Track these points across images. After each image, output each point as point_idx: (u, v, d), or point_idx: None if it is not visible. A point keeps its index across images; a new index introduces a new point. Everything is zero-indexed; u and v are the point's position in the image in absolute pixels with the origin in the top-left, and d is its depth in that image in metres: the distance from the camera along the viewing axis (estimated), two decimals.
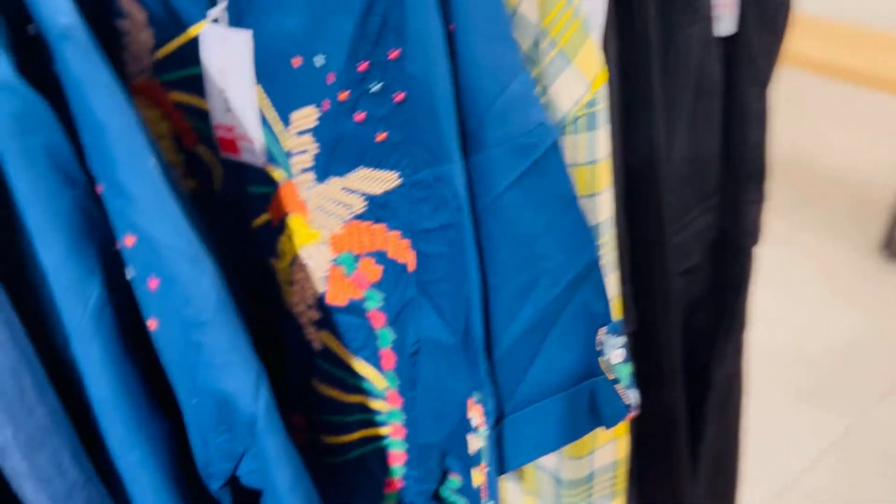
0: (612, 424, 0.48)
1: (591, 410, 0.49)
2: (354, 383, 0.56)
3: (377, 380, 0.55)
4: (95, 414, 0.40)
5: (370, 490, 0.60)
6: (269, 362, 0.54)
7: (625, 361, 0.48)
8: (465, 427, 0.47)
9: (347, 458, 0.60)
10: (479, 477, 0.48)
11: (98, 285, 0.40)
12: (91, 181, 0.41)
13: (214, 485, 0.44)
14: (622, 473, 0.60)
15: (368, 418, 0.58)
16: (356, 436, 0.59)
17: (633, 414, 0.49)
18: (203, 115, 0.56)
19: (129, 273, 0.42)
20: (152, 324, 0.42)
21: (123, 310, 0.42)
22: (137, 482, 0.40)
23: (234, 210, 0.59)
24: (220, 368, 0.41)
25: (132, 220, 0.40)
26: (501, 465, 0.48)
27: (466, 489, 0.65)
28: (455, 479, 0.64)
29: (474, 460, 0.48)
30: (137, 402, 0.41)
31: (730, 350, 0.82)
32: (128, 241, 0.41)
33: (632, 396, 0.48)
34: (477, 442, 0.47)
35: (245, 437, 0.42)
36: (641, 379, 0.53)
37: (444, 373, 0.47)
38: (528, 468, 0.62)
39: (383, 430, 0.58)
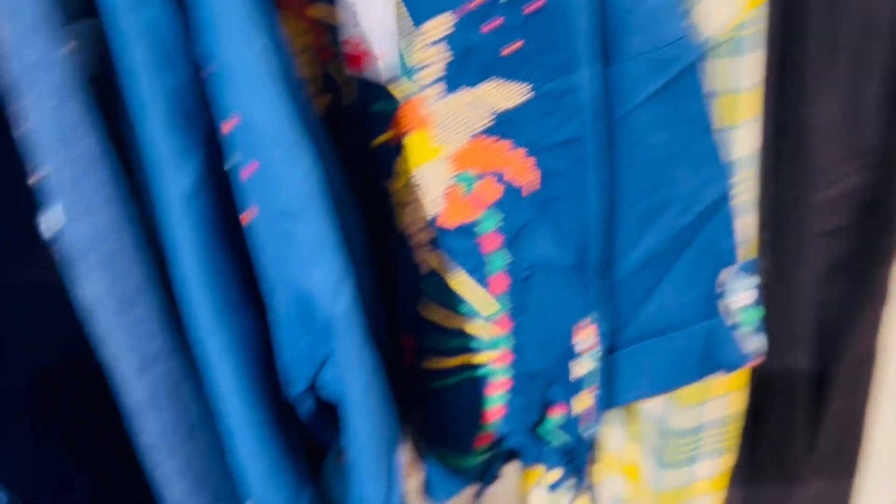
0: (730, 370, 0.45)
1: (708, 354, 0.46)
2: (460, 308, 0.56)
3: (485, 304, 0.55)
4: (180, 293, 0.41)
5: (470, 416, 0.60)
6: (383, 286, 0.54)
7: (754, 305, 0.45)
8: (570, 354, 0.45)
9: (446, 383, 0.59)
10: (582, 403, 0.47)
11: (195, 168, 0.40)
12: (198, 66, 0.41)
13: (295, 389, 0.44)
14: (734, 430, 0.57)
15: (472, 344, 0.57)
16: (457, 361, 0.58)
17: (754, 362, 0.46)
18: (336, 31, 0.56)
19: (230, 162, 0.43)
20: (248, 214, 0.42)
21: (219, 202, 0.42)
22: (214, 370, 0.40)
23: (359, 129, 0.60)
24: (306, 263, 0.41)
25: (235, 101, 0.40)
26: (610, 398, 0.46)
27: (567, 425, 0.64)
28: (553, 418, 0.63)
29: (577, 387, 0.46)
30: (222, 290, 0.41)
31: (865, 324, 0.76)
32: (230, 123, 0.41)
33: (756, 343, 0.45)
34: (582, 368, 0.45)
35: (325, 341, 0.42)
36: (766, 337, 0.49)
37: (556, 297, 0.46)
38: (634, 412, 0.60)
39: (487, 357, 0.57)
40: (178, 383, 0.40)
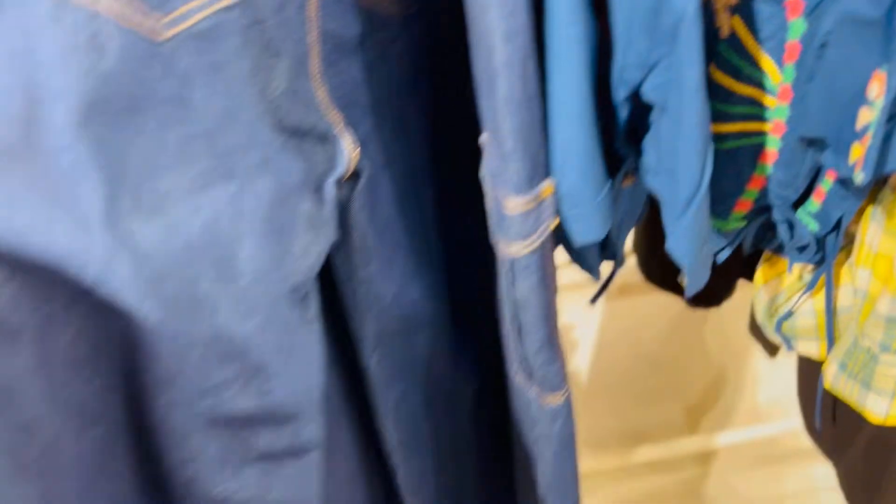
0: None
1: None
2: (750, 74, 0.60)
3: (773, 73, 0.59)
4: None
5: (735, 181, 0.65)
6: None
7: None
8: (860, 100, 0.49)
9: (722, 147, 0.65)
10: (858, 151, 0.51)
11: None
12: None
13: (619, 94, 0.52)
14: None
15: (753, 111, 0.62)
16: (736, 127, 0.63)
17: None
18: None
19: None
20: None
21: None
22: (565, 57, 0.48)
23: None
24: None
25: None
26: (883, 162, 0.50)
27: (822, 215, 0.68)
28: (814, 202, 0.67)
29: (858, 135, 0.50)
30: None
31: None
32: None
33: None
34: (867, 115, 0.49)
35: (663, 45, 0.49)
36: None
37: (854, 53, 0.49)
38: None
39: (763, 126, 0.62)
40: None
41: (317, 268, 0.51)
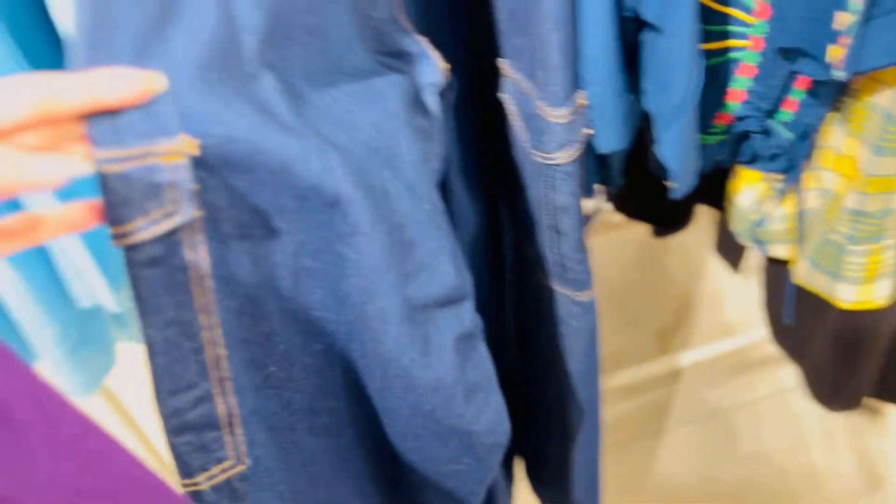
0: None
1: None
2: None
3: None
4: None
5: (717, 96, 0.72)
6: None
7: None
8: (837, 5, 0.56)
9: (705, 64, 0.72)
10: (836, 51, 0.58)
11: None
12: None
13: (625, 12, 0.58)
14: None
15: (732, 29, 0.68)
16: (716, 45, 0.70)
17: None
18: None
19: None
20: None
21: None
22: None
23: None
24: None
25: None
26: (857, 61, 0.57)
27: (794, 124, 0.75)
28: (786, 112, 0.74)
29: (833, 37, 0.57)
30: None
31: None
32: None
33: None
34: (845, 18, 0.56)
35: None
36: None
37: None
38: (859, 106, 0.71)
39: (742, 42, 0.68)
40: None
41: (441, 173, 0.54)
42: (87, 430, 0.32)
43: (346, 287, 0.48)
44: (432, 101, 0.53)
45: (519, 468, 1.02)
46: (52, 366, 0.79)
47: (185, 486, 0.43)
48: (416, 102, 0.53)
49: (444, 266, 0.52)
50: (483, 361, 0.57)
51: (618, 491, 1.27)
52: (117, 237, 0.38)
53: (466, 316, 0.55)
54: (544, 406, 0.87)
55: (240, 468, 0.45)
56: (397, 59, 0.52)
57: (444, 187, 0.62)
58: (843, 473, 1.29)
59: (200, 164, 0.40)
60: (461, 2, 0.63)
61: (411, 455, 0.55)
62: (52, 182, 0.35)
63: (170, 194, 0.39)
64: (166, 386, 0.42)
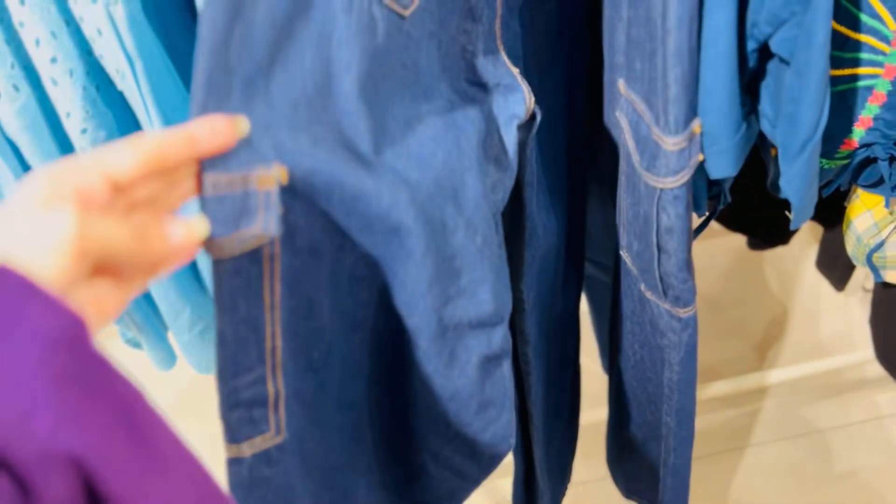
0: None
1: None
2: (866, 22, 0.66)
3: (890, 22, 0.65)
4: None
5: (845, 122, 0.72)
6: None
7: None
8: None
9: (834, 90, 0.71)
10: None
11: None
12: None
13: (750, 46, 0.59)
14: None
15: (865, 57, 0.68)
16: (847, 72, 0.70)
17: None
18: None
19: None
20: None
21: None
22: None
23: None
24: None
25: None
26: None
27: None
28: None
29: None
30: None
31: None
32: None
33: None
34: None
35: (797, 4, 0.55)
36: None
37: None
38: None
39: (875, 70, 0.68)
40: None
41: (505, 201, 0.59)
42: None
43: (391, 299, 0.54)
44: (511, 133, 0.57)
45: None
46: (181, 345, 0.85)
47: (229, 450, 0.49)
48: (493, 134, 0.56)
49: (483, 295, 0.57)
50: (502, 380, 0.62)
51: (704, 501, 1.27)
52: (210, 249, 0.43)
53: (496, 339, 0.60)
54: (639, 414, 0.89)
55: (278, 439, 0.50)
56: (480, 89, 0.55)
57: (520, 205, 0.65)
58: None
59: (287, 189, 0.45)
60: (571, 23, 0.66)
61: (419, 431, 0.61)
62: (188, 251, 0.40)
63: (260, 215, 0.43)
64: (229, 370, 0.47)
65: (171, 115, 0.62)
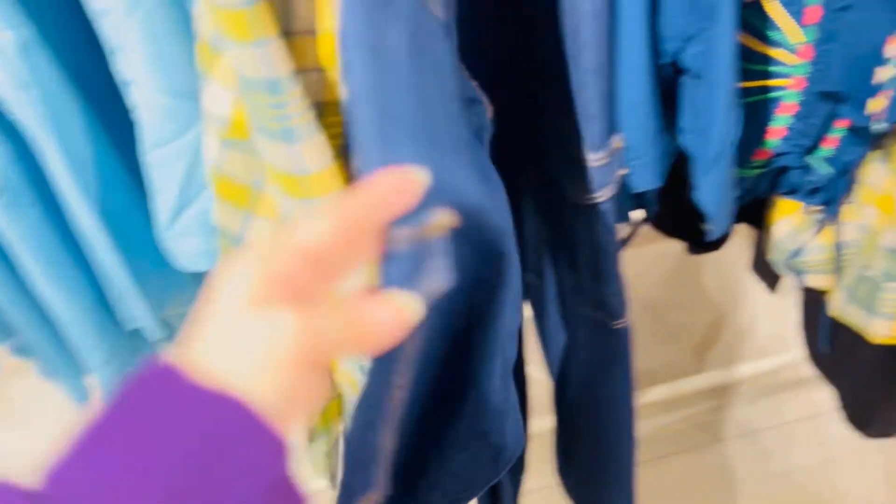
0: None
1: None
2: (771, 35, 0.67)
3: (793, 34, 0.66)
4: None
5: (757, 132, 0.73)
6: None
7: None
8: (877, 60, 0.57)
9: (744, 101, 0.72)
10: (878, 104, 0.58)
11: None
12: None
13: (663, 61, 0.60)
14: None
15: (771, 69, 0.69)
16: (755, 84, 0.71)
17: None
18: None
19: None
20: None
21: None
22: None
23: None
24: None
25: None
26: None
27: (834, 160, 0.76)
28: (826, 149, 0.75)
29: (876, 90, 0.58)
30: None
31: None
32: None
33: None
34: (885, 73, 0.56)
35: (704, 20, 0.56)
36: None
37: (873, 16, 0.56)
38: None
39: (783, 82, 0.69)
40: None
41: None
42: None
43: (485, 330, 0.51)
44: (485, 142, 0.56)
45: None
46: (100, 382, 0.83)
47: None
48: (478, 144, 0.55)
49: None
50: (512, 385, 0.61)
51: None
52: None
53: (511, 346, 0.58)
54: (580, 425, 0.89)
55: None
56: (466, 106, 0.54)
57: None
58: (873, 497, 1.29)
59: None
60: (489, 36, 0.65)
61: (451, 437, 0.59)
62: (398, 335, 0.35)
63: (440, 265, 0.40)
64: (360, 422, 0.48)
65: (71, 143, 0.60)
